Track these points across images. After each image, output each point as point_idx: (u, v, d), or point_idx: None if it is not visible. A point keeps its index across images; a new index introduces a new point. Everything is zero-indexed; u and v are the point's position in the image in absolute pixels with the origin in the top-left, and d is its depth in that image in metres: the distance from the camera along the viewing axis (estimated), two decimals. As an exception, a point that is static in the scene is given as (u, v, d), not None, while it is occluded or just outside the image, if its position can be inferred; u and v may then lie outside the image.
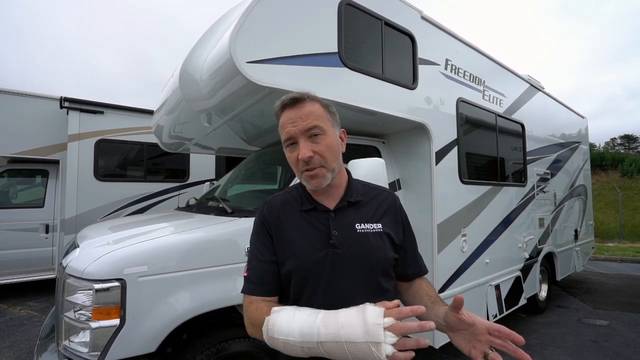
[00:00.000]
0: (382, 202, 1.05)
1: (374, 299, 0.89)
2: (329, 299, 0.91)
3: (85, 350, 1.53)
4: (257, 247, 1.00)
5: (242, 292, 0.98)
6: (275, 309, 0.85)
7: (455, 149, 3.05)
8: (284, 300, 0.99)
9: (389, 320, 0.72)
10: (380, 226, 0.98)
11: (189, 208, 2.90)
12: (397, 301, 0.78)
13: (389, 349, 0.70)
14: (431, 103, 2.84)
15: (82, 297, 1.56)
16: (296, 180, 2.23)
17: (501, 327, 0.79)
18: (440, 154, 2.86)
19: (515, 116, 4.02)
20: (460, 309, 0.80)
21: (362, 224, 0.97)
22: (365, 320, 0.73)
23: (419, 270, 1.10)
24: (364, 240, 0.95)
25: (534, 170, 4.32)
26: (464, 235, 3.06)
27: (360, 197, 1.02)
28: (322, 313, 0.80)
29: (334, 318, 0.77)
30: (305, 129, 0.92)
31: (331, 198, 1.01)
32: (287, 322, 0.80)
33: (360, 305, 0.78)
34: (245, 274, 1.00)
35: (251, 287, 0.96)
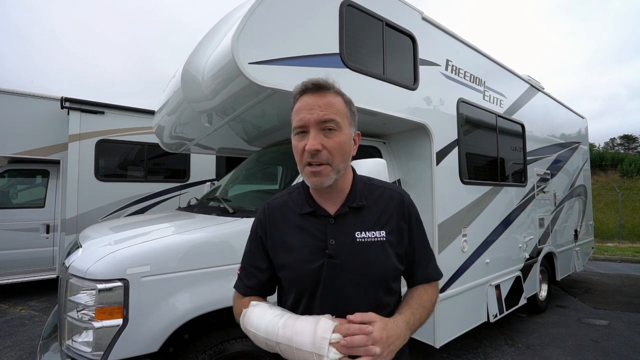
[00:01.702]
0: (387, 204, 0.96)
1: (371, 311, 0.90)
2: (326, 310, 0.89)
3: (88, 349, 1.53)
4: (249, 251, 1.05)
5: (233, 286, 1.06)
6: (253, 303, 0.92)
7: (456, 149, 3.05)
8: (282, 304, 0.99)
9: (336, 337, 0.75)
10: (384, 234, 0.92)
11: (190, 208, 2.90)
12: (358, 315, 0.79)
13: None
14: (432, 103, 2.85)
15: (85, 297, 1.57)
16: (299, 179, 2.23)
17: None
18: (441, 154, 2.87)
19: (515, 116, 4.03)
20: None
21: (363, 232, 0.91)
22: (316, 332, 0.77)
23: (427, 277, 1.01)
24: (363, 251, 0.90)
25: (534, 171, 4.33)
26: (465, 235, 3.06)
27: (364, 202, 0.95)
28: (287, 316, 0.84)
29: (293, 323, 0.82)
30: (321, 119, 0.85)
31: (333, 201, 0.95)
32: (258, 318, 0.88)
33: (319, 316, 0.81)
34: (239, 272, 1.07)
35: (239, 284, 1.04)
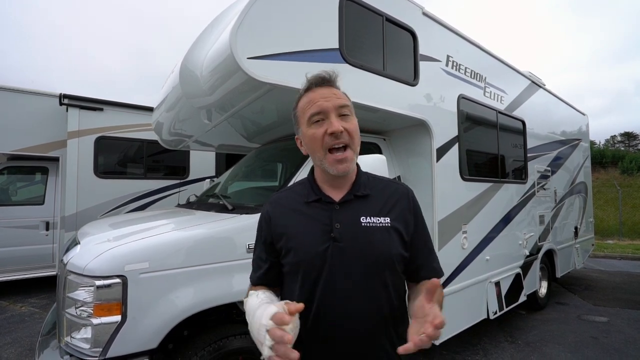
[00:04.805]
0: (392, 194, 1.00)
1: (375, 294, 0.92)
2: (329, 293, 0.91)
3: (86, 346, 1.53)
4: (255, 244, 1.09)
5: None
6: (250, 292, 0.96)
7: (456, 146, 3.04)
8: (286, 292, 1.01)
9: (271, 324, 0.75)
10: (388, 220, 0.94)
11: (189, 205, 2.89)
12: (300, 305, 0.77)
13: (266, 351, 0.74)
14: (432, 100, 2.83)
15: (83, 294, 1.56)
16: (297, 178, 2.22)
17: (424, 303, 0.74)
18: (441, 151, 2.86)
19: (516, 113, 4.01)
20: (432, 295, 0.76)
21: (368, 218, 0.93)
22: (261, 319, 0.78)
23: (432, 273, 0.99)
24: (368, 234, 0.92)
25: (535, 168, 4.32)
26: (465, 232, 3.06)
27: (369, 191, 0.98)
28: (259, 304, 0.86)
29: (255, 312, 0.84)
30: (339, 105, 0.92)
31: (338, 190, 0.98)
32: (249, 307, 0.91)
33: (272, 305, 0.81)
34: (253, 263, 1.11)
35: (251, 275, 1.09)
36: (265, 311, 0.79)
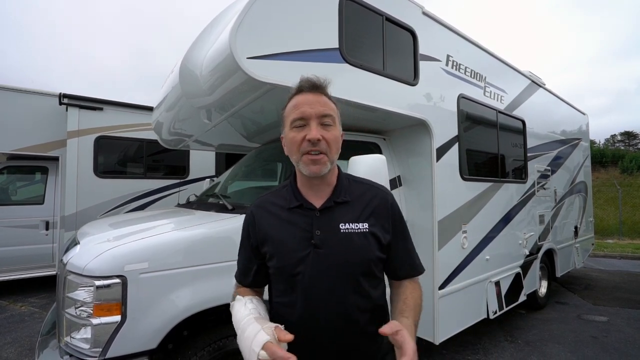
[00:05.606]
0: (371, 200, 1.03)
1: (354, 299, 0.95)
2: (309, 297, 0.94)
3: (86, 346, 1.53)
4: (241, 245, 1.12)
5: (234, 275, 1.15)
6: (238, 297, 1.01)
7: (456, 145, 3.04)
8: (272, 293, 1.06)
9: (263, 354, 0.78)
10: (367, 226, 0.98)
11: (189, 205, 2.89)
12: (290, 336, 0.81)
13: None
14: (432, 99, 2.82)
15: (83, 294, 1.56)
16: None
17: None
18: (441, 151, 2.85)
19: (516, 113, 4.00)
20: (396, 338, 0.79)
21: (347, 224, 0.97)
22: (251, 343, 0.81)
23: (411, 271, 1.07)
24: (346, 241, 0.95)
25: (535, 167, 4.31)
26: (465, 232, 3.05)
27: (348, 197, 1.01)
28: (248, 318, 0.90)
29: (246, 327, 0.87)
30: (322, 114, 0.94)
31: (319, 196, 1.01)
32: (235, 313, 0.96)
33: (263, 327, 0.84)
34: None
35: (236, 274, 1.14)
36: (256, 336, 0.81)
